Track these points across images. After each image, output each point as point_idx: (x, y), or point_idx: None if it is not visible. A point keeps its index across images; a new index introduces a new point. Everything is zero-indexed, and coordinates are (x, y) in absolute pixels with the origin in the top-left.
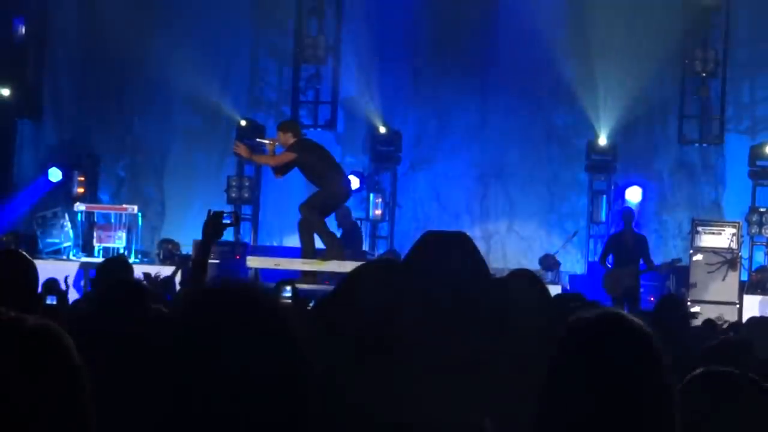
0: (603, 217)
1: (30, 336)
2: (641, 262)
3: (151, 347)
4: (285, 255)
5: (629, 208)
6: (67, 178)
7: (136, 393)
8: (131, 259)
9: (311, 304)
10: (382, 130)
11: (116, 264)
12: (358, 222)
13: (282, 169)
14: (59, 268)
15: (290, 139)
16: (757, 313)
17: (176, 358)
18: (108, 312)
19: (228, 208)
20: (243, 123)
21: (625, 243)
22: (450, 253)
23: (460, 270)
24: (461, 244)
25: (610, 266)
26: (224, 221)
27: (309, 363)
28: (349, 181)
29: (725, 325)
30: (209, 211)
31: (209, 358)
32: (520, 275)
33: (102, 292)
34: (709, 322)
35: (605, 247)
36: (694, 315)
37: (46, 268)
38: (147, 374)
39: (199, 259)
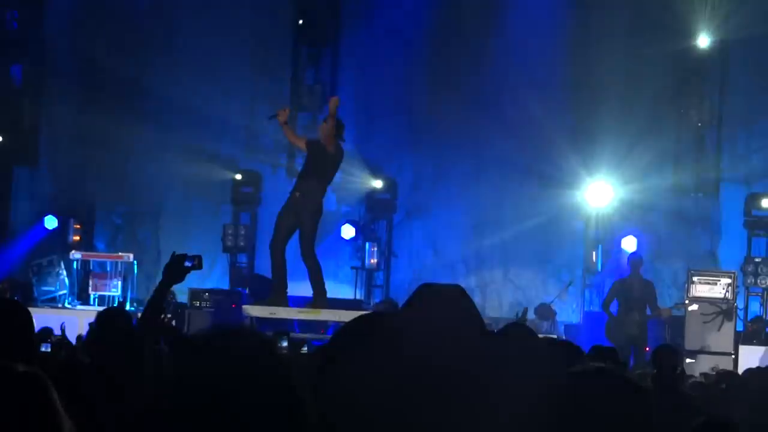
0: (599, 267)
1: (17, 382)
2: (647, 309)
3: (153, 393)
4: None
5: (637, 254)
6: (63, 226)
7: None
8: (126, 307)
9: (304, 349)
10: (378, 178)
11: (115, 313)
12: (354, 271)
13: (302, 143)
14: (55, 316)
15: (332, 138)
16: (752, 364)
17: (179, 406)
18: (104, 359)
19: (209, 251)
20: (238, 177)
21: (631, 289)
22: (445, 307)
23: (455, 324)
24: (457, 297)
25: (614, 314)
26: (186, 264)
27: (309, 412)
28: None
29: (713, 371)
30: (173, 253)
31: (212, 404)
32: (516, 330)
33: (99, 340)
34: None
35: (609, 292)
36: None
37: (41, 316)
38: (149, 418)
39: (154, 300)
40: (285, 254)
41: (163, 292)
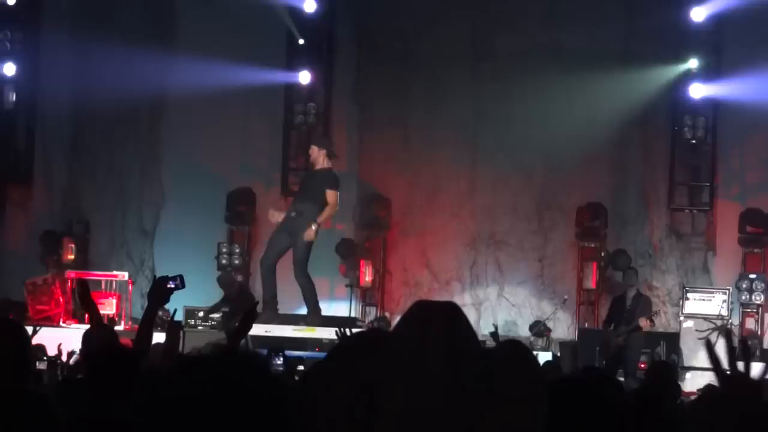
0: (593, 284)
1: (23, 403)
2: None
3: (143, 414)
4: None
5: (632, 269)
6: (58, 245)
7: None
8: (122, 326)
9: (300, 368)
10: (372, 196)
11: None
12: (348, 288)
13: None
14: (49, 335)
15: (324, 158)
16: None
17: (169, 425)
18: (98, 378)
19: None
20: (232, 194)
21: (624, 303)
22: (440, 325)
23: (449, 342)
24: (451, 315)
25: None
26: (169, 285)
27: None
28: None
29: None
30: (154, 276)
31: (201, 424)
32: (509, 347)
33: (91, 359)
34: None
35: (609, 310)
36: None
37: (36, 335)
38: None
39: (143, 324)
40: (275, 270)
41: (150, 315)
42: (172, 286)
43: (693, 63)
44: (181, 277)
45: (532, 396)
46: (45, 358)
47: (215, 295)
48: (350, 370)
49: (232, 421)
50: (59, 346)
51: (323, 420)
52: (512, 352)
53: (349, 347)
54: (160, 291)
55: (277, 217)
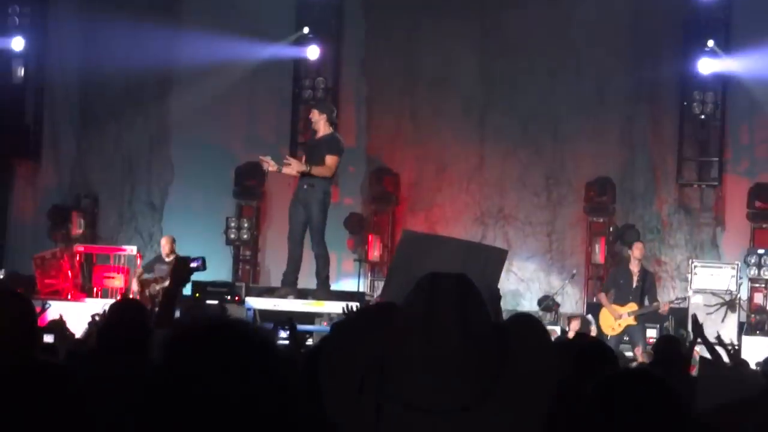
0: (601, 259)
1: (39, 373)
2: (645, 300)
3: (150, 385)
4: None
5: (638, 242)
6: (66, 219)
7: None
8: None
9: (309, 342)
10: (380, 170)
11: (129, 305)
12: (357, 263)
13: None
14: (57, 310)
15: (324, 124)
16: (755, 355)
17: (170, 397)
18: (112, 352)
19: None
20: (240, 168)
21: (629, 278)
22: (450, 297)
23: (460, 314)
24: (461, 287)
25: (611, 302)
26: (192, 265)
27: (302, 401)
28: None
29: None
30: (176, 256)
31: (203, 396)
32: (521, 320)
33: (106, 332)
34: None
35: (608, 279)
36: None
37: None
38: (145, 414)
39: (165, 302)
40: (302, 244)
41: (173, 295)
42: (194, 266)
43: (709, 43)
44: (203, 258)
45: (544, 367)
46: (52, 330)
47: (223, 270)
48: (360, 344)
49: (227, 398)
50: (60, 316)
51: (333, 394)
52: (524, 324)
53: (358, 321)
54: (182, 270)
55: (267, 165)
